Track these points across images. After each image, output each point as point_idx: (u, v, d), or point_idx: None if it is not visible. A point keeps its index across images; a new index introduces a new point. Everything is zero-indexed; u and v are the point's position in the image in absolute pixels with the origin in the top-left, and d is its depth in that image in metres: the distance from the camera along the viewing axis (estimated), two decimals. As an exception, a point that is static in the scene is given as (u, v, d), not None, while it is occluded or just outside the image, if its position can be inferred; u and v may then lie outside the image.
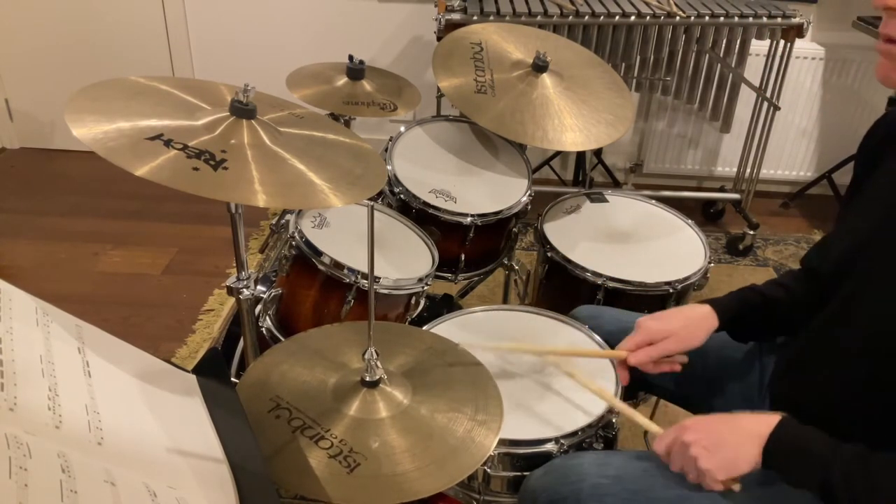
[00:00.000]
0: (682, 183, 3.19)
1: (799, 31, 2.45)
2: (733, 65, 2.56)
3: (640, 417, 1.06)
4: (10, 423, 0.56)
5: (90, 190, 3.00)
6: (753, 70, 2.65)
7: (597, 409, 1.14)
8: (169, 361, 0.86)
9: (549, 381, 1.21)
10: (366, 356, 0.98)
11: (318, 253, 1.34)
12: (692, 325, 1.13)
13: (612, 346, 1.28)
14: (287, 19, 3.01)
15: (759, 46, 2.58)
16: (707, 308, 1.15)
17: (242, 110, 1.05)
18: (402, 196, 1.59)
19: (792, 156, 3.10)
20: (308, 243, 1.36)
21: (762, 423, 0.91)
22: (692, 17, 2.38)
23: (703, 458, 0.90)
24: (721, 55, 2.51)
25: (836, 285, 1.00)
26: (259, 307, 1.41)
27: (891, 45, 0.86)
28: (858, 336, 0.95)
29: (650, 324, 1.15)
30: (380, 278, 1.35)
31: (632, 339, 1.16)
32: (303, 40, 3.03)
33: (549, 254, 1.57)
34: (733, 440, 0.91)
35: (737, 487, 0.92)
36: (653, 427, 1.03)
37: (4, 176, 3.13)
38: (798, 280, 1.15)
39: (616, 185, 3.11)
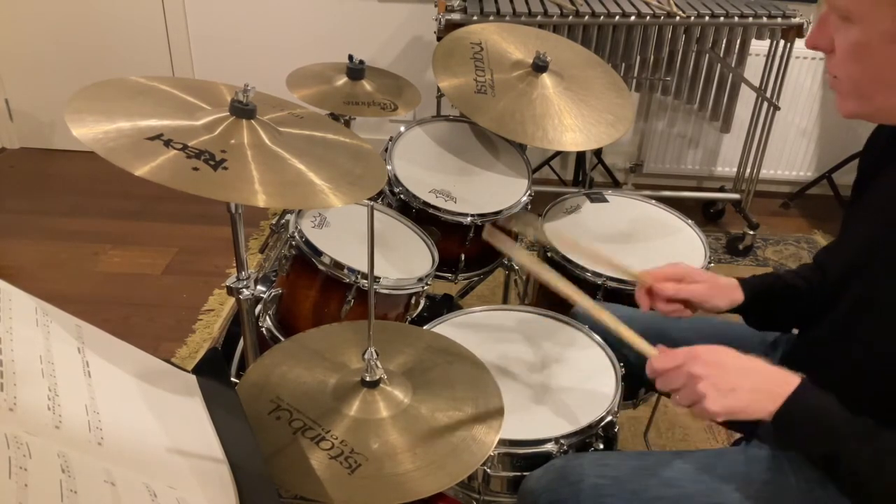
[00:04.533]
0: (682, 183, 3.19)
1: (799, 31, 2.45)
2: (733, 65, 2.56)
3: (641, 343, 0.98)
4: (10, 423, 0.56)
5: (90, 190, 3.00)
6: (753, 70, 2.65)
7: (597, 409, 1.14)
8: (169, 361, 0.86)
9: (549, 381, 1.21)
10: (366, 356, 0.98)
11: (318, 253, 1.34)
12: (719, 286, 1.13)
13: (611, 346, 1.27)
14: (287, 19, 3.01)
15: (759, 46, 2.58)
16: (734, 280, 1.14)
17: (242, 110, 1.05)
18: (402, 196, 1.59)
19: (792, 156, 3.10)
20: (308, 243, 1.35)
21: (782, 382, 0.87)
22: (692, 17, 2.38)
23: (712, 399, 0.85)
24: (721, 55, 2.51)
25: (842, 290, 1.00)
26: (259, 307, 1.41)
27: (832, 80, 0.88)
28: (864, 341, 0.95)
29: (683, 265, 1.14)
30: (380, 278, 1.35)
31: (662, 270, 1.13)
32: (303, 40, 3.03)
33: (549, 254, 1.57)
34: (747, 388, 0.87)
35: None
36: (647, 348, 0.96)
37: (4, 176, 3.13)
38: (814, 273, 1.15)
39: (616, 185, 3.11)
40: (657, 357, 0.92)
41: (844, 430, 0.84)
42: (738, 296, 1.13)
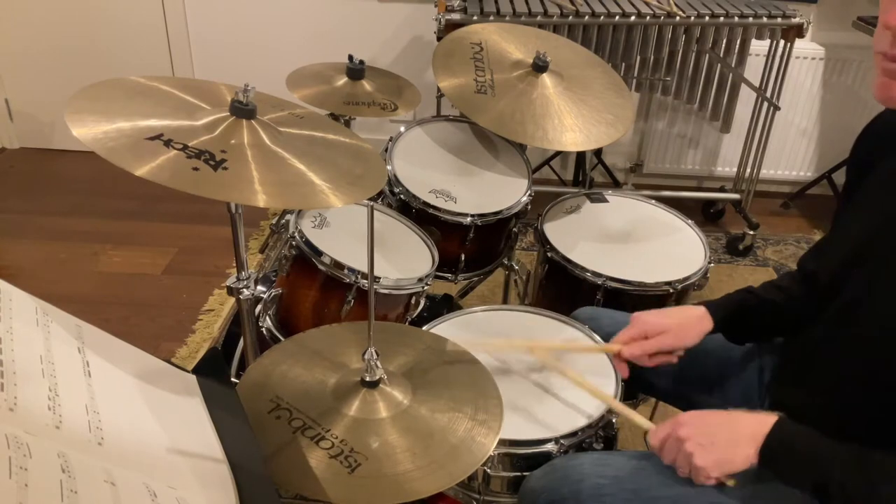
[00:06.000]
0: (682, 183, 3.19)
1: (799, 31, 2.45)
2: (733, 65, 2.56)
3: (637, 416, 1.06)
4: (10, 423, 0.56)
5: (90, 190, 3.00)
6: (753, 70, 2.65)
7: (597, 409, 1.14)
8: (169, 361, 0.86)
9: (549, 381, 1.21)
10: (366, 356, 0.98)
11: (318, 253, 1.34)
12: (687, 324, 1.14)
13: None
14: (287, 19, 3.01)
15: (759, 46, 2.58)
16: (702, 310, 1.15)
17: (242, 110, 1.05)
18: (402, 196, 1.59)
19: (792, 156, 3.10)
20: (308, 243, 1.35)
21: (759, 423, 0.91)
22: (692, 17, 2.38)
23: (698, 455, 0.91)
24: (721, 55, 2.51)
25: (834, 292, 1.00)
26: (259, 307, 1.41)
27: None
28: (859, 342, 0.95)
29: (645, 318, 1.16)
30: (380, 278, 1.35)
31: (626, 332, 1.17)
32: (303, 40, 3.03)
33: (549, 254, 1.57)
34: (729, 438, 0.91)
35: (731, 483, 0.92)
36: (649, 425, 1.03)
37: (4, 176, 3.13)
38: (796, 282, 1.16)
39: (616, 185, 3.11)
40: (651, 433, 0.98)
41: (828, 459, 0.86)
42: (706, 326, 1.14)
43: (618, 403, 1.10)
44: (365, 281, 1.33)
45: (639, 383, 1.31)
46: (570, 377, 1.13)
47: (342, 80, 1.77)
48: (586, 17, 2.34)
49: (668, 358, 1.16)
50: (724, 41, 2.46)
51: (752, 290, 1.18)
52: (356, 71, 1.76)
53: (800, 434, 0.90)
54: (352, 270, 1.34)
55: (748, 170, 2.84)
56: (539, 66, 1.65)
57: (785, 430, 0.90)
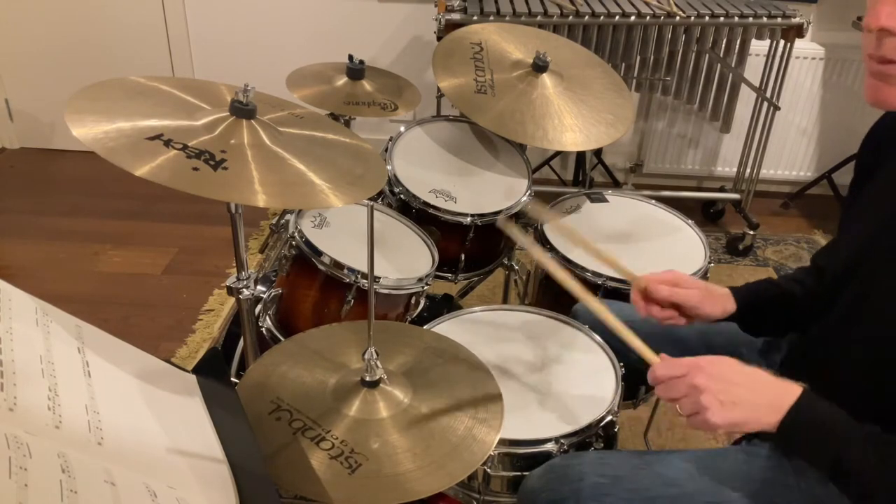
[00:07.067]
0: (682, 183, 3.19)
1: (799, 31, 2.45)
2: (733, 65, 2.56)
3: (645, 350, 0.97)
4: (10, 423, 0.56)
5: (90, 190, 3.00)
6: (753, 70, 2.65)
7: (597, 408, 1.14)
8: (169, 361, 0.86)
9: (549, 381, 1.21)
10: (366, 356, 0.98)
11: (318, 253, 1.34)
12: (713, 295, 1.13)
13: (611, 346, 1.27)
14: (287, 19, 3.01)
15: (759, 46, 2.58)
16: (727, 290, 1.15)
17: (242, 110, 1.05)
18: (402, 196, 1.59)
19: (792, 156, 3.10)
20: (308, 243, 1.36)
21: (784, 392, 0.87)
22: (692, 17, 2.38)
23: (715, 412, 0.84)
24: (721, 55, 2.51)
25: (841, 288, 1.00)
26: (259, 307, 1.41)
27: (887, 66, 0.83)
28: (864, 339, 0.95)
29: (679, 272, 1.14)
30: (380, 278, 1.35)
31: (660, 274, 1.14)
32: (303, 40, 3.03)
33: (549, 254, 1.57)
34: (750, 403, 0.86)
35: None
36: (649, 355, 0.95)
37: (4, 176, 3.13)
38: (811, 276, 1.15)
39: (616, 185, 3.11)
40: (660, 364, 0.91)
41: (849, 435, 0.84)
42: (731, 305, 1.13)
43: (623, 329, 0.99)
44: (365, 281, 1.33)
45: (641, 378, 1.31)
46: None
47: (342, 80, 1.77)
48: (586, 17, 2.34)
49: (678, 320, 1.13)
50: (724, 41, 2.46)
51: (772, 280, 1.17)
52: (356, 71, 1.76)
53: (823, 411, 0.86)
54: (351, 270, 1.34)
55: (748, 170, 2.84)
56: (539, 66, 1.65)
57: (808, 407, 0.86)
